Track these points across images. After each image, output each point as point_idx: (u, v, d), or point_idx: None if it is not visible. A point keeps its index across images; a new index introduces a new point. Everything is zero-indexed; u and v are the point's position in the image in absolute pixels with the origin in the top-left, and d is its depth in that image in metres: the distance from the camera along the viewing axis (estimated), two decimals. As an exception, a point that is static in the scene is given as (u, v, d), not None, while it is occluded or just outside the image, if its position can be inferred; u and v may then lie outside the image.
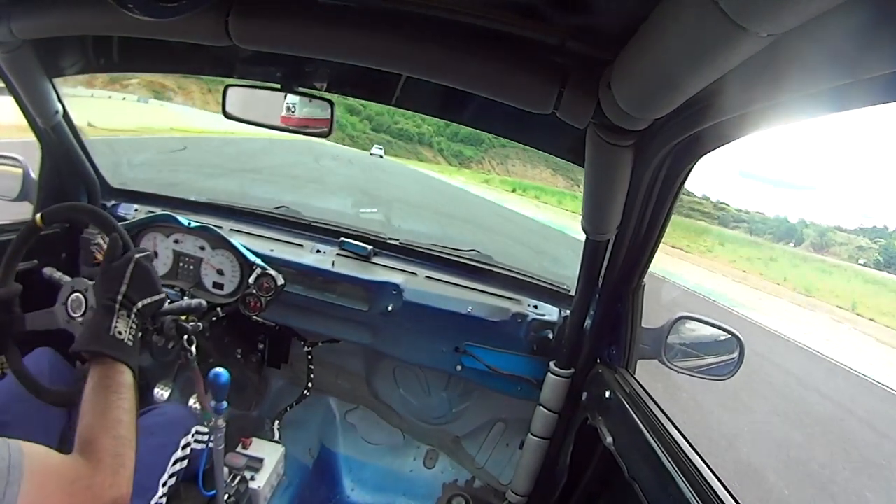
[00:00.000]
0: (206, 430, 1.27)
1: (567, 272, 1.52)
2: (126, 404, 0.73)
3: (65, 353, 1.16)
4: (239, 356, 1.79)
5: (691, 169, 0.91)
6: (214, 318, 1.51)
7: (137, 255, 0.86)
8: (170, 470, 1.10)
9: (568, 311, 1.41)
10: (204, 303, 1.37)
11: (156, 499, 1.03)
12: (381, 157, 34.03)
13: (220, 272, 1.55)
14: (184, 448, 1.16)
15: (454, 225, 11.49)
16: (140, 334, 0.83)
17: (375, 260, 1.63)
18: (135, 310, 0.83)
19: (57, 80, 1.36)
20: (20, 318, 0.99)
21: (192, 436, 1.21)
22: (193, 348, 1.32)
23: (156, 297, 0.87)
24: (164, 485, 1.06)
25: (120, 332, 0.79)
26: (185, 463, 1.16)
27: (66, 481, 0.61)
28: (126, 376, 0.76)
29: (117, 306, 0.81)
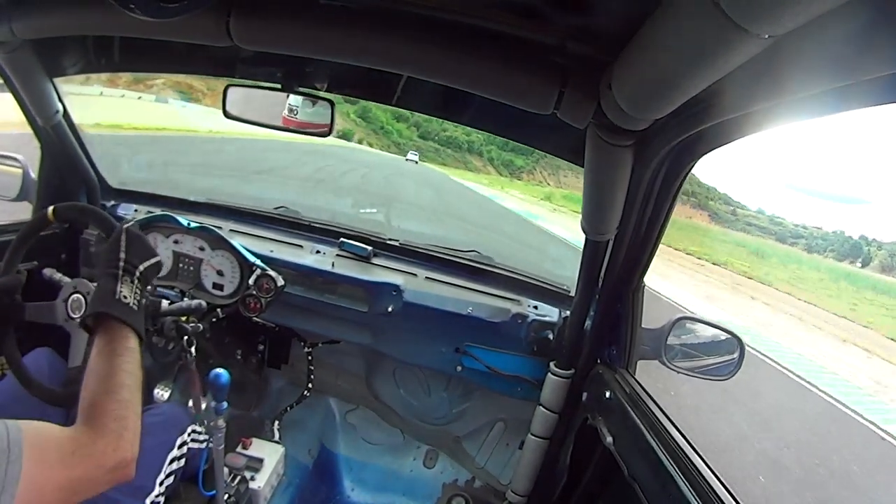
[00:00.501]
0: (202, 429, 1.27)
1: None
2: (130, 367, 0.72)
3: (63, 353, 1.16)
4: (239, 357, 1.79)
5: (691, 169, 0.92)
6: (214, 319, 1.51)
7: (124, 226, 0.86)
8: (167, 469, 1.10)
9: (568, 312, 1.41)
10: (204, 304, 1.37)
11: (152, 498, 1.03)
12: (416, 162, 34.43)
13: (219, 273, 1.54)
14: (180, 447, 1.16)
15: (461, 228, 11.13)
16: (143, 300, 0.83)
17: (375, 261, 1.63)
18: (137, 273, 0.83)
19: (58, 80, 1.36)
20: (21, 306, 0.99)
21: (189, 435, 1.21)
22: (192, 349, 1.33)
23: (154, 260, 0.88)
24: (161, 484, 1.06)
25: (125, 297, 0.79)
26: (182, 462, 1.16)
27: (66, 452, 0.60)
28: (131, 341, 0.76)
29: (120, 272, 0.81)
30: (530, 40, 0.75)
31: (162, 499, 1.06)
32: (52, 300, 1.02)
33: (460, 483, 1.80)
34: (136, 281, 0.82)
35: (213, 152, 14.49)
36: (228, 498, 1.41)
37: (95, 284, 0.97)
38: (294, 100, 1.16)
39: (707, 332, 1.27)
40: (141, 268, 0.84)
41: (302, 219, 1.75)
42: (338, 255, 1.62)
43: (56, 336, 1.01)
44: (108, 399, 0.67)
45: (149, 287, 0.88)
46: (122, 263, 0.82)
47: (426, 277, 1.59)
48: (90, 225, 1.54)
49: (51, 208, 0.97)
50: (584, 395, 1.27)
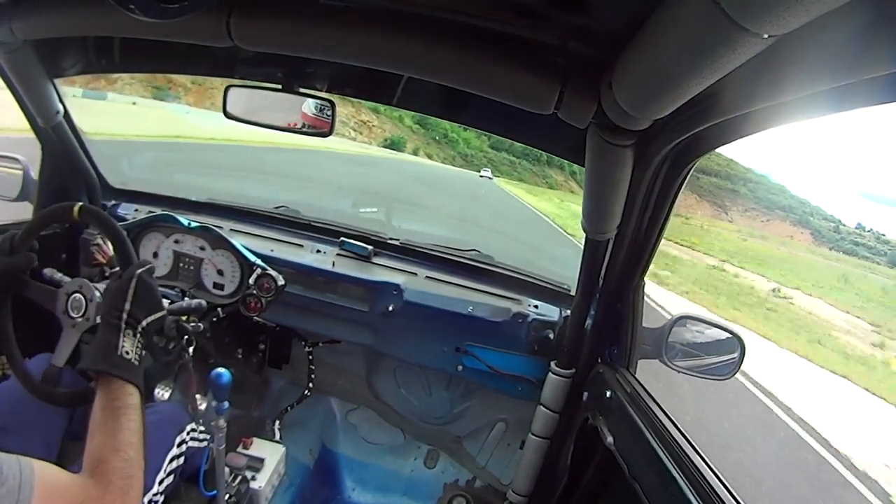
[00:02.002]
0: (202, 428, 1.27)
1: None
2: (134, 425, 0.73)
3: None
4: (240, 356, 1.80)
5: (692, 168, 0.92)
6: (215, 319, 1.51)
7: (139, 271, 0.86)
8: (167, 468, 1.10)
9: (569, 311, 1.41)
10: (204, 303, 1.37)
11: (150, 496, 1.03)
12: (491, 178, 33.57)
13: (220, 272, 1.55)
14: (179, 446, 1.16)
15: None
16: (144, 352, 0.83)
17: (376, 260, 1.63)
18: (140, 328, 0.82)
19: (58, 81, 1.36)
20: (25, 281, 0.99)
21: (188, 434, 1.21)
22: (190, 349, 1.33)
23: (159, 314, 0.87)
24: (160, 482, 1.07)
25: (127, 352, 0.79)
26: (181, 461, 1.16)
27: (75, 501, 0.61)
28: (134, 397, 0.76)
29: (123, 325, 0.80)
30: (531, 40, 0.75)
31: (160, 497, 1.06)
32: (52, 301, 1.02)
33: (461, 483, 1.80)
34: (138, 335, 0.82)
35: (258, 161, 13.75)
36: (229, 498, 1.41)
37: (94, 283, 0.98)
38: (308, 102, 1.15)
39: (707, 332, 1.27)
40: (144, 323, 0.83)
41: (302, 218, 1.75)
42: (338, 254, 1.62)
43: (56, 341, 1.00)
44: (115, 457, 0.68)
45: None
46: (125, 315, 0.81)
47: (427, 277, 1.59)
48: (101, 235, 1.54)
49: (79, 205, 0.95)
50: (585, 394, 1.27)
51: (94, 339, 0.80)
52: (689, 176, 0.94)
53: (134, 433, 0.72)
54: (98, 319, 0.94)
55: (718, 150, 0.87)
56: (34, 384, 0.94)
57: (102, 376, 0.76)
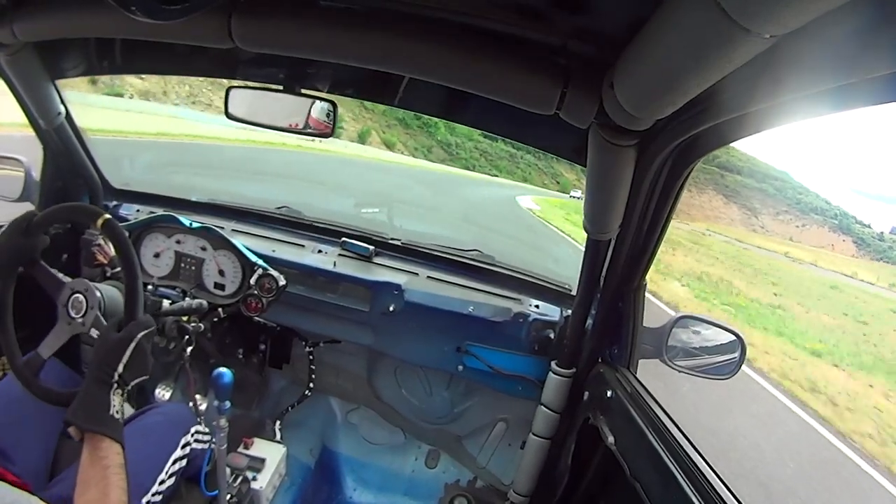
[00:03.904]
0: (206, 430, 1.27)
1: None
2: (123, 483, 0.76)
3: (60, 355, 1.17)
4: (240, 356, 1.80)
5: (693, 168, 0.92)
6: (216, 319, 1.51)
7: (141, 335, 0.87)
8: (169, 469, 1.10)
9: (570, 311, 1.41)
10: (205, 303, 1.37)
11: (148, 497, 1.03)
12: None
13: (221, 273, 1.55)
14: (183, 447, 1.16)
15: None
16: (123, 408, 0.86)
17: (377, 260, 1.63)
18: (126, 388, 0.85)
19: (59, 82, 1.37)
20: (34, 260, 1.02)
21: (192, 435, 1.21)
22: (189, 349, 1.33)
23: (143, 379, 0.90)
24: (160, 483, 1.07)
25: (117, 412, 0.82)
26: (184, 462, 1.16)
27: None
28: (120, 456, 0.79)
29: (114, 384, 0.83)
30: (532, 40, 0.75)
31: (159, 497, 1.06)
32: (53, 301, 1.02)
33: (462, 483, 1.80)
34: (124, 394, 0.84)
35: (285, 165, 13.58)
36: (230, 498, 1.41)
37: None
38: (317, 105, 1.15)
39: (708, 332, 1.27)
40: (131, 384, 0.86)
41: (304, 218, 1.75)
42: (339, 254, 1.62)
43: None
44: None
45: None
46: (117, 376, 0.83)
47: (428, 277, 1.59)
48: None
49: (105, 218, 0.96)
50: (586, 394, 1.27)
51: (84, 393, 0.82)
52: (690, 176, 0.94)
53: (124, 492, 0.75)
54: (93, 332, 0.96)
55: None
56: (32, 383, 0.95)
57: (93, 433, 0.79)
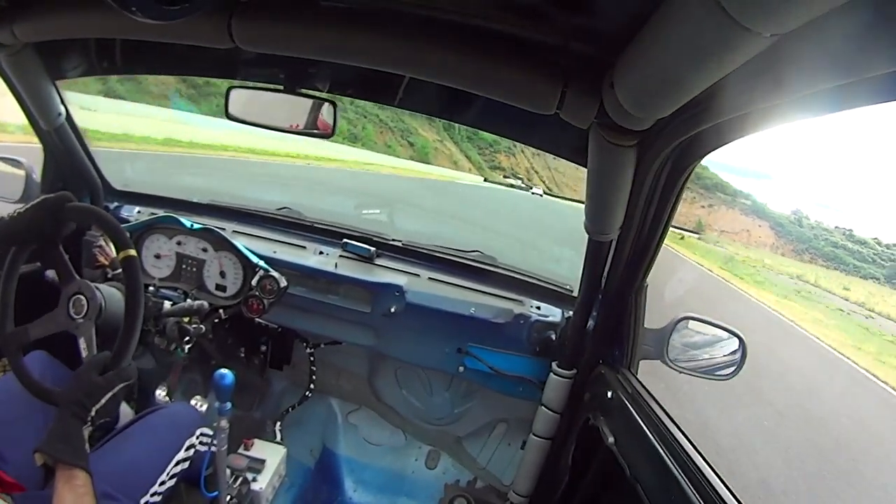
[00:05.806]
0: (211, 431, 1.27)
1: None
2: None
3: (58, 355, 1.18)
4: (241, 358, 1.80)
5: (694, 168, 0.92)
6: (217, 320, 1.51)
7: (121, 385, 0.90)
8: (171, 470, 1.10)
9: (570, 312, 1.41)
10: (206, 304, 1.37)
11: (147, 497, 1.03)
12: (542, 196, 33.88)
13: (222, 274, 1.55)
14: (187, 449, 1.16)
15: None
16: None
17: (378, 261, 1.63)
18: (96, 424, 0.88)
19: (60, 82, 1.37)
20: (57, 249, 1.05)
21: (198, 437, 1.21)
22: (187, 349, 1.33)
23: (107, 420, 0.93)
24: (161, 483, 1.07)
25: (88, 445, 0.85)
26: (186, 464, 1.16)
27: None
28: (89, 485, 0.81)
29: (89, 420, 0.86)
30: (532, 40, 0.75)
31: (158, 498, 1.06)
32: (54, 302, 1.02)
33: (462, 483, 1.80)
34: (91, 427, 0.88)
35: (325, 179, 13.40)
36: (230, 499, 1.41)
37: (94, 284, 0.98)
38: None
39: (709, 332, 1.27)
40: (99, 421, 0.89)
41: (305, 220, 1.75)
42: (341, 255, 1.62)
43: (50, 339, 1.01)
44: None
45: None
46: (93, 413, 0.86)
47: (429, 278, 1.59)
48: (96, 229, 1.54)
49: (129, 254, 0.97)
50: (586, 395, 1.26)
51: (59, 427, 0.84)
52: (690, 176, 0.94)
53: None
54: (81, 343, 0.96)
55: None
56: (31, 381, 0.95)
57: (69, 466, 0.81)
